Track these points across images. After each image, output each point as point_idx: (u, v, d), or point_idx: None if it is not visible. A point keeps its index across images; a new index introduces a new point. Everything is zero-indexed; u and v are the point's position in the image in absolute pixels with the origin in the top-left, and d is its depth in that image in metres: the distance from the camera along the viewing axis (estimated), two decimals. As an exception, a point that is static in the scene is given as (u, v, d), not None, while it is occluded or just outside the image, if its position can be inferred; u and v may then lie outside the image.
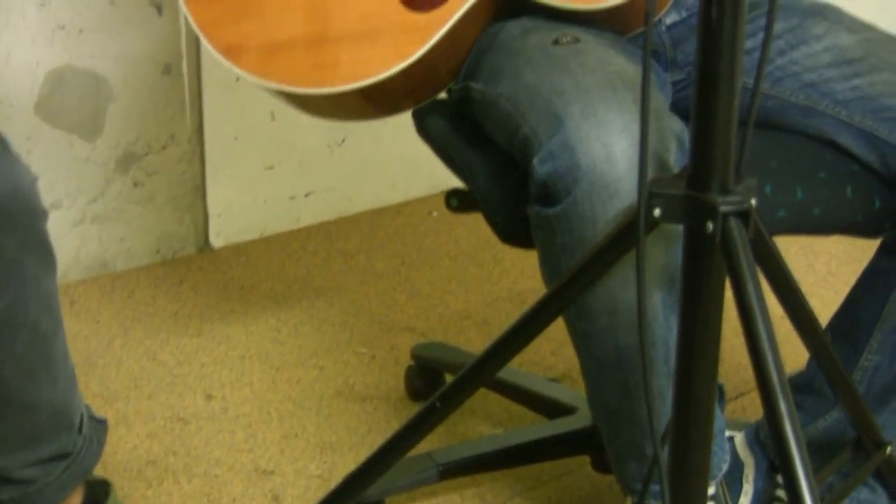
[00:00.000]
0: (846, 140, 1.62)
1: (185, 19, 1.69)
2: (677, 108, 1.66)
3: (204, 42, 1.68)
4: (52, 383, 1.56)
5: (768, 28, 1.20)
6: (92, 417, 1.68)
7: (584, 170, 1.38)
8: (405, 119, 1.78)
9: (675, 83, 1.72)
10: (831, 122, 1.63)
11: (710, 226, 1.18)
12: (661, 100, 1.52)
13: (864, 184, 1.62)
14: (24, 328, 1.50)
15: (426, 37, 1.61)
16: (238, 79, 1.67)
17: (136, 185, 2.74)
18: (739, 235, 1.17)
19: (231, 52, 1.66)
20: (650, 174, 1.33)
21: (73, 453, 1.62)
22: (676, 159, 1.42)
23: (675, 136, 1.43)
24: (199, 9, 1.68)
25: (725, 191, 1.19)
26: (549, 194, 1.42)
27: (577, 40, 1.54)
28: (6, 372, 1.50)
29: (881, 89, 1.59)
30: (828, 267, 2.76)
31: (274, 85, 1.66)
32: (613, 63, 1.48)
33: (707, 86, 1.18)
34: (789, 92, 1.65)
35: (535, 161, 1.43)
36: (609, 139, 1.38)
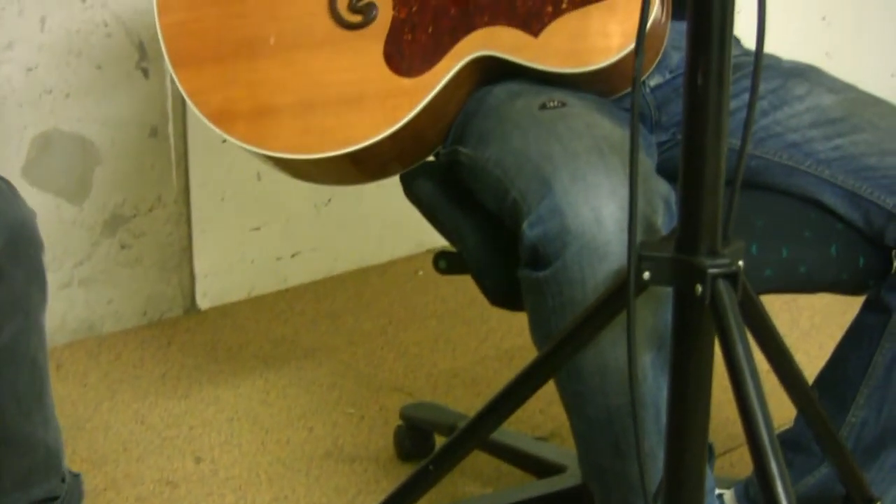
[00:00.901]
0: (830, 199, 1.64)
1: (171, 82, 1.70)
2: (663, 169, 1.68)
3: (193, 109, 1.69)
4: (46, 423, 1.57)
5: (753, 92, 1.22)
6: (69, 471, 1.68)
7: (574, 233, 1.39)
8: (390, 179, 1.80)
9: (660, 144, 1.74)
10: (815, 181, 1.65)
11: (700, 288, 1.20)
12: (648, 163, 1.54)
13: (849, 242, 1.64)
14: (25, 362, 1.51)
15: (414, 101, 1.63)
16: (224, 140, 1.68)
17: (123, 247, 2.74)
18: (728, 298, 1.18)
19: (221, 118, 1.68)
20: (639, 237, 1.35)
21: (60, 497, 1.62)
22: (664, 221, 1.43)
23: (662, 199, 1.45)
24: (188, 76, 1.70)
25: (714, 253, 1.21)
26: (538, 258, 1.43)
27: (563, 104, 1.56)
28: (9, 408, 1.51)
29: (863, 149, 1.61)
30: (811, 321, 2.78)
31: (263, 151, 1.67)
32: (600, 127, 1.50)
33: (694, 150, 1.20)
34: (773, 152, 1.67)
35: (525, 225, 1.44)
36: (598, 203, 1.39)
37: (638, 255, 1.23)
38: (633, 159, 1.21)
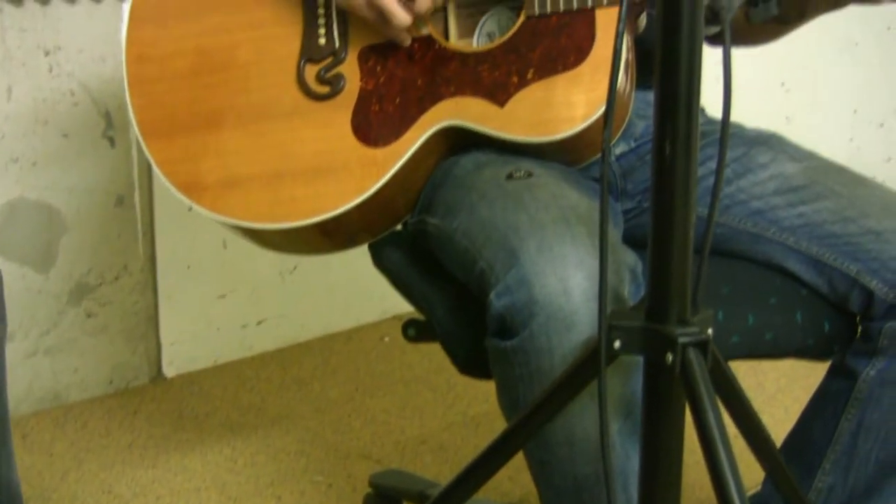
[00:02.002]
0: (794, 265, 1.66)
1: (138, 150, 1.71)
2: (630, 237, 1.70)
3: (163, 179, 1.70)
4: (8, 459, 1.55)
5: (720, 164, 1.24)
6: None
7: (541, 304, 1.40)
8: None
9: (626, 212, 1.76)
10: (779, 248, 1.67)
11: (670, 357, 1.21)
12: (615, 233, 1.55)
13: (814, 308, 1.66)
14: None
15: (381, 171, 1.64)
16: (190, 209, 1.69)
17: (88, 315, 2.74)
18: (698, 366, 1.20)
19: (190, 188, 1.69)
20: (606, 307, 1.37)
21: None
22: (630, 291, 1.45)
23: (628, 269, 1.46)
24: (158, 146, 1.72)
25: (683, 322, 1.22)
26: (506, 328, 1.44)
27: (530, 174, 1.57)
28: None
29: (825, 216, 1.64)
30: (777, 384, 2.79)
31: (232, 221, 1.68)
32: (567, 197, 1.51)
33: (662, 219, 1.21)
34: (737, 219, 1.69)
35: (492, 295, 1.44)
36: (564, 273, 1.40)
37: (609, 324, 1.24)
38: (602, 230, 1.22)
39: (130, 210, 2.75)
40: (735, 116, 1.21)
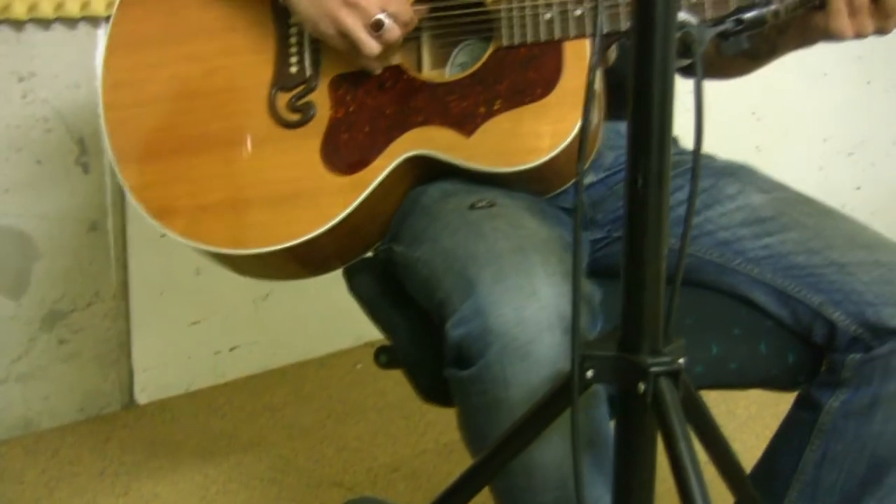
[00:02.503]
0: (759, 296, 1.67)
1: (111, 177, 1.71)
2: (599, 266, 1.72)
3: (136, 205, 1.71)
4: None
5: (691, 197, 1.25)
6: None
7: (496, 333, 1.40)
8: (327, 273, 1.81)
9: (595, 241, 1.78)
10: (744, 279, 1.68)
11: (642, 387, 1.22)
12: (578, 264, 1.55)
13: (778, 339, 1.67)
14: None
15: (349, 199, 1.65)
16: (163, 235, 1.70)
17: (60, 342, 2.73)
18: (670, 395, 1.21)
19: (162, 214, 1.70)
20: (559, 337, 1.38)
21: None
22: (587, 322, 1.46)
23: (585, 300, 1.47)
24: (131, 172, 1.73)
25: (655, 352, 1.23)
26: (462, 357, 1.44)
27: (493, 204, 1.58)
28: None
29: (791, 247, 1.65)
30: (748, 412, 2.81)
31: (204, 246, 1.69)
32: (526, 227, 1.52)
33: (635, 251, 1.22)
34: (704, 250, 1.70)
35: (449, 325, 1.45)
36: (519, 303, 1.40)
37: (582, 354, 1.25)
38: (576, 261, 1.24)
39: (103, 236, 2.75)
40: (706, 145, 1.23)
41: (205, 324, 2.96)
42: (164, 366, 2.91)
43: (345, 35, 1.63)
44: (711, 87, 1.83)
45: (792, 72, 3.56)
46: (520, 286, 1.41)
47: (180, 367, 2.94)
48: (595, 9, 1.55)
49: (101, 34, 2.66)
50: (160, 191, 1.71)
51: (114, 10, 1.79)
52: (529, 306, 1.40)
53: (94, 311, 2.77)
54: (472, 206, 1.58)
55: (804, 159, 3.74)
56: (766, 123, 3.65)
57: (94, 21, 2.65)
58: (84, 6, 2.59)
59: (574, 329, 1.25)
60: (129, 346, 2.84)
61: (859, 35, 1.55)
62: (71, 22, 2.62)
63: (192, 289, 2.90)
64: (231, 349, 3.02)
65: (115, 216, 2.75)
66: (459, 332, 1.43)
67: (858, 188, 3.84)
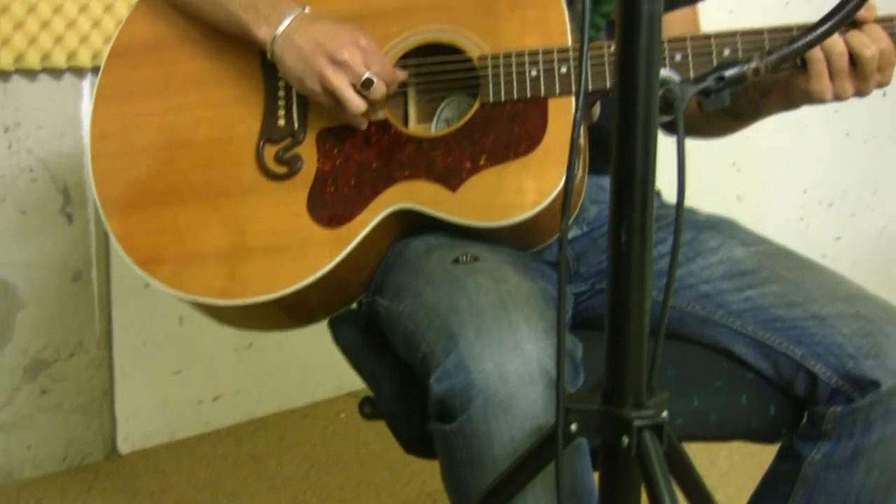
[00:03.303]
0: (740, 349, 1.68)
1: (95, 226, 1.71)
2: (581, 318, 1.73)
3: (121, 253, 1.72)
4: None
5: (674, 251, 1.26)
6: None
7: (478, 388, 1.41)
8: (311, 323, 1.82)
9: (579, 294, 1.79)
10: (726, 331, 1.69)
11: (626, 440, 1.23)
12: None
13: (759, 391, 1.68)
14: None
15: (335, 252, 1.66)
16: (147, 285, 1.70)
17: (43, 392, 2.73)
18: (654, 448, 1.22)
19: (147, 263, 1.71)
20: (541, 391, 1.39)
21: None
22: (569, 375, 1.47)
23: (567, 354, 1.47)
24: (117, 221, 1.73)
25: (639, 405, 1.24)
26: (446, 411, 1.45)
27: (476, 259, 1.59)
28: None
29: (772, 300, 1.66)
30: (730, 462, 2.81)
31: (189, 297, 1.70)
32: (508, 281, 1.53)
33: (618, 306, 1.23)
34: (686, 302, 1.72)
35: (433, 379, 1.46)
36: (501, 358, 1.41)
37: (566, 407, 1.25)
38: (559, 316, 1.25)
39: (87, 286, 2.76)
40: (688, 195, 1.24)
41: (188, 373, 2.96)
42: (147, 415, 2.90)
43: (331, 93, 1.64)
44: (693, 138, 1.86)
45: (771, 123, 3.58)
46: (502, 341, 1.42)
47: (163, 416, 2.94)
48: (580, 66, 1.58)
49: (87, 85, 2.68)
50: (146, 240, 1.72)
51: (103, 61, 1.80)
52: (512, 361, 1.41)
53: (78, 360, 2.77)
54: (456, 261, 1.59)
55: (785, 210, 3.77)
56: (746, 174, 3.68)
57: (79, 72, 2.67)
58: (70, 57, 2.61)
59: (559, 382, 1.26)
60: (112, 395, 2.84)
61: (839, 97, 1.58)
62: (56, 73, 2.64)
63: (176, 338, 2.91)
64: (214, 398, 3.02)
65: (99, 266, 2.76)
66: (442, 386, 1.44)
67: (838, 238, 3.86)
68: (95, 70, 2.64)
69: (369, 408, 1.75)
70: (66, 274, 2.73)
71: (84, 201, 2.70)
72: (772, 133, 3.62)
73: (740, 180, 3.67)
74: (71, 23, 2.60)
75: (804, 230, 3.79)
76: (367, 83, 1.63)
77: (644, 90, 1.19)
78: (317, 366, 3.12)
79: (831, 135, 3.71)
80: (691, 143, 1.25)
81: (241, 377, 3.06)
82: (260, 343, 3.05)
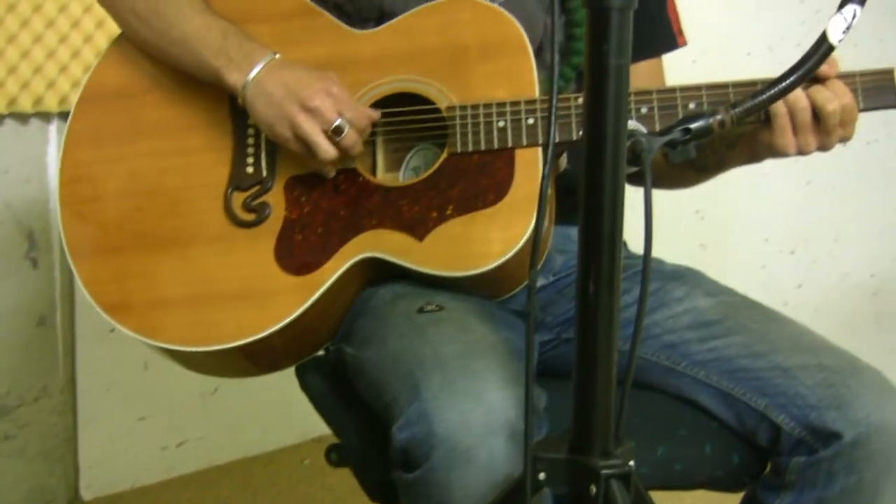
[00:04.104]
0: (705, 399, 1.69)
1: (60, 272, 1.71)
2: (546, 367, 1.73)
3: (88, 299, 1.71)
4: None
5: (641, 303, 1.27)
6: None
7: (440, 437, 1.41)
8: (275, 369, 1.82)
9: (544, 343, 1.80)
10: (690, 381, 1.70)
11: (594, 489, 1.23)
12: (520, 368, 1.57)
13: (723, 441, 1.69)
14: None
15: (302, 299, 1.66)
16: (112, 330, 1.70)
17: (6, 437, 2.71)
18: (622, 497, 1.22)
19: (115, 309, 1.71)
20: (503, 442, 1.40)
21: None
22: (534, 425, 1.47)
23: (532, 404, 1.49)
24: (85, 266, 1.73)
25: (606, 454, 1.25)
26: (408, 460, 1.45)
27: (441, 308, 1.60)
28: None
29: (737, 351, 1.67)
30: (694, 510, 2.82)
31: (155, 342, 1.70)
32: (473, 331, 1.55)
33: (586, 356, 1.24)
34: (651, 352, 1.73)
35: (395, 428, 1.46)
36: (465, 408, 1.42)
37: (534, 456, 1.26)
38: (528, 366, 1.26)
39: (52, 331, 2.74)
40: (653, 244, 1.26)
41: (152, 419, 2.95)
42: (110, 461, 2.88)
43: (301, 139, 1.65)
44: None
45: (734, 171, 3.61)
46: (465, 391, 1.43)
47: (127, 462, 2.92)
48: (548, 118, 1.59)
49: (53, 130, 2.68)
50: (114, 286, 1.72)
51: (73, 106, 1.80)
52: (474, 411, 1.41)
53: (41, 405, 2.75)
54: (421, 310, 1.60)
55: (747, 257, 3.79)
56: (709, 222, 3.70)
57: (46, 117, 2.67)
58: (36, 102, 2.61)
59: (527, 431, 1.26)
60: (75, 441, 2.82)
61: (802, 152, 1.61)
62: (23, 118, 2.64)
63: (140, 384, 2.89)
64: (178, 444, 3.01)
65: (63, 311, 2.75)
66: (405, 435, 1.44)
67: (800, 286, 3.89)
68: (62, 115, 2.64)
69: (336, 455, 1.75)
70: (31, 319, 2.71)
71: (49, 246, 2.69)
72: (734, 181, 3.63)
73: (703, 228, 3.69)
74: (38, 68, 2.61)
75: (767, 277, 3.81)
76: (339, 130, 1.63)
77: (612, 142, 1.21)
78: (281, 412, 3.10)
79: (792, 183, 3.75)
80: (655, 192, 1.26)
81: (205, 423, 3.04)
82: (225, 389, 3.04)
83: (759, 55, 3.47)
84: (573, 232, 1.54)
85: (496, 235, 1.62)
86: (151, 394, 2.92)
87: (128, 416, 2.91)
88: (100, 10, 2.53)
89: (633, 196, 1.27)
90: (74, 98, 1.81)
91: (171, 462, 2.99)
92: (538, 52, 1.69)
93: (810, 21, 3.47)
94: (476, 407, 1.42)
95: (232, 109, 1.75)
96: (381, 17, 1.75)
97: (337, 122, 1.63)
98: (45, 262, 2.70)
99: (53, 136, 2.69)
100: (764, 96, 1.43)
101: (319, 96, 1.63)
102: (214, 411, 3.05)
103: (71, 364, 2.79)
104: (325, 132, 1.64)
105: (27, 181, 2.65)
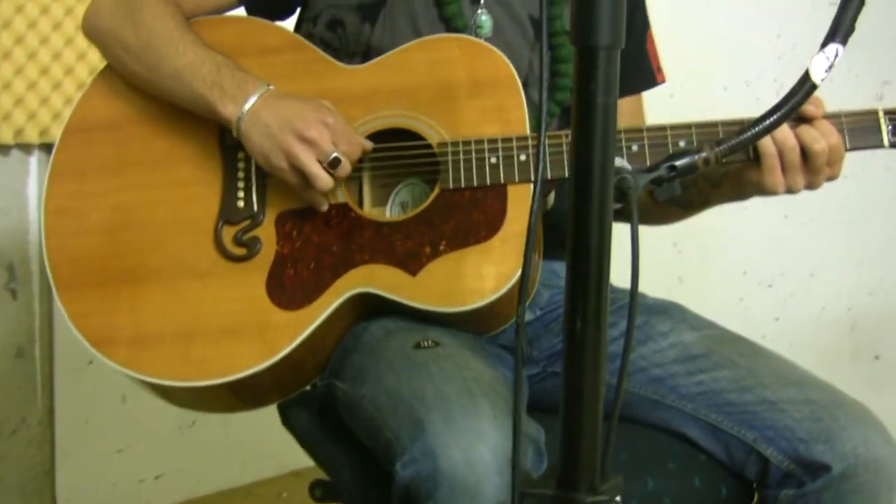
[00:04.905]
0: (692, 432, 1.71)
1: (40, 303, 1.69)
2: (536, 401, 1.74)
3: (76, 333, 1.69)
4: None
5: (627, 338, 1.28)
6: None
7: (445, 475, 1.41)
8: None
9: (532, 377, 1.81)
10: (678, 414, 1.72)
11: (580, 524, 1.24)
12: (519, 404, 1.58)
13: (711, 473, 1.70)
14: None
15: (293, 335, 1.65)
16: (91, 362, 1.69)
17: (-17, 470, 2.70)
18: (608, 532, 1.23)
19: (102, 343, 1.69)
20: (507, 479, 1.40)
21: None
22: (533, 461, 1.48)
23: (531, 441, 1.50)
24: (71, 300, 1.71)
25: (593, 490, 1.25)
26: (411, 497, 1.45)
27: (437, 344, 1.60)
28: None
29: (724, 385, 1.69)
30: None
31: (142, 377, 1.68)
32: (472, 368, 1.55)
33: (573, 392, 1.24)
34: (638, 386, 1.74)
35: (398, 465, 1.46)
36: (468, 445, 1.42)
37: (521, 492, 1.26)
38: (516, 402, 1.25)
39: (30, 363, 2.73)
40: (628, 276, 1.27)
41: (130, 451, 2.93)
42: (88, 494, 2.87)
43: (298, 169, 1.64)
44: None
45: (712, 205, 3.64)
46: (468, 428, 1.43)
47: (105, 494, 2.90)
48: (538, 154, 1.60)
49: (34, 161, 2.68)
50: (101, 320, 1.70)
51: (59, 137, 1.78)
52: (478, 448, 1.42)
53: (19, 437, 2.74)
54: (417, 346, 1.59)
55: (725, 290, 3.81)
56: (687, 255, 3.72)
57: (26, 148, 2.67)
58: (17, 134, 2.61)
59: (514, 466, 1.26)
60: (53, 473, 2.81)
61: (790, 190, 1.62)
62: (4, 149, 2.64)
63: (118, 416, 2.88)
64: (156, 477, 2.99)
65: (42, 343, 2.74)
66: (409, 472, 1.44)
67: (777, 319, 3.91)
68: (43, 147, 2.64)
69: (320, 491, 1.74)
70: (9, 350, 2.70)
71: (29, 277, 2.68)
72: (712, 215, 3.65)
73: (682, 261, 3.71)
74: (19, 100, 2.61)
75: (744, 311, 3.83)
76: (335, 162, 1.63)
77: (599, 179, 1.21)
78: (260, 444, 3.09)
79: (770, 217, 3.77)
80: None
81: (183, 456, 3.03)
82: (203, 421, 3.03)
83: (737, 90, 3.49)
84: (559, 267, 1.55)
85: (490, 271, 1.62)
86: (129, 426, 2.91)
87: (106, 449, 2.90)
88: (82, 43, 2.56)
89: (615, 230, 1.28)
90: (56, 130, 1.80)
91: (148, 495, 2.98)
92: (523, 88, 1.70)
93: (787, 56, 3.50)
94: (480, 444, 1.42)
95: (221, 142, 1.74)
96: (368, 53, 1.76)
97: (333, 155, 1.63)
98: (25, 294, 2.68)
99: (34, 168, 2.68)
100: (748, 134, 1.44)
101: (315, 127, 1.63)
102: (192, 444, 3.04)
103: (49, 396, 2.77)
104: (321, 163, 1.64)
105: (7, 213, 2.65)
